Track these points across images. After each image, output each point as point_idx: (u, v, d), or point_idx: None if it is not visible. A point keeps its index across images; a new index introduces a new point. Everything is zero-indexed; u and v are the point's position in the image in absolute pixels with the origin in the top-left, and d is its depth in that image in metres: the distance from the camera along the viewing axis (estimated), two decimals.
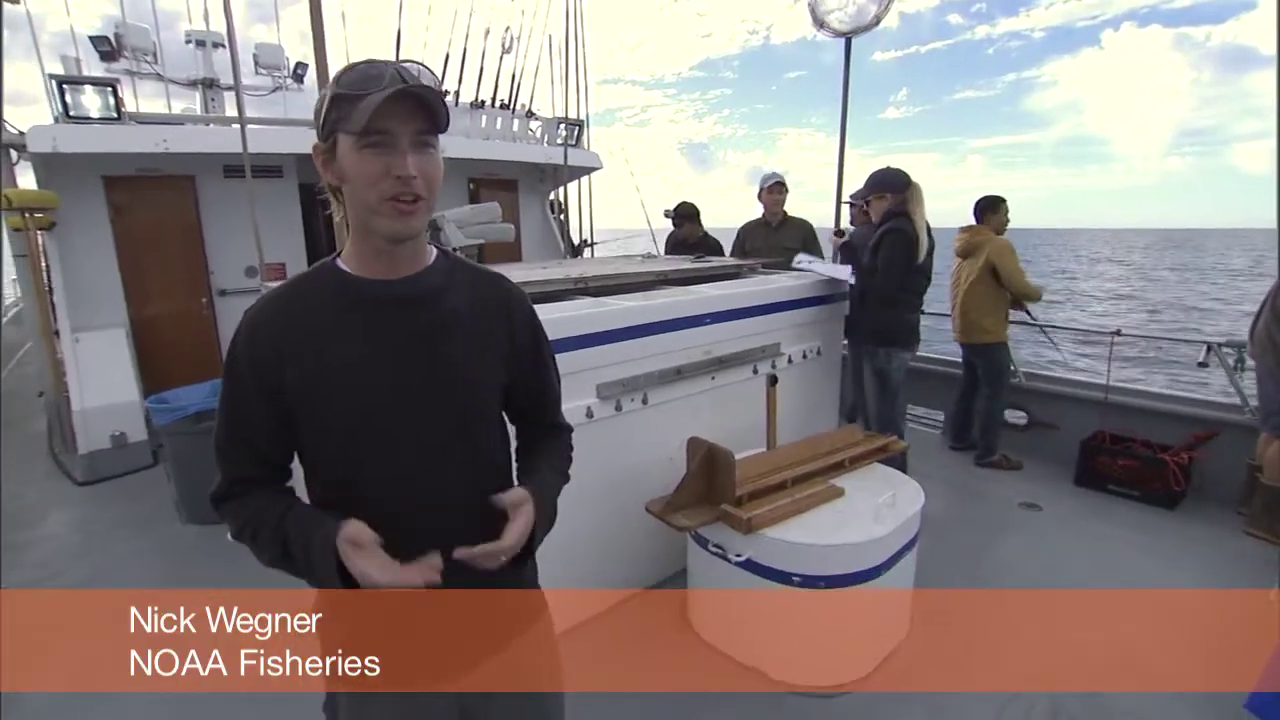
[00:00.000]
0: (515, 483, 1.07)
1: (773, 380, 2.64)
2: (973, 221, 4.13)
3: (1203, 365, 3.61)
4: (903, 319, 3.26)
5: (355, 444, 0.93)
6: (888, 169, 3.29)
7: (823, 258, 4.32)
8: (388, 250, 0.92)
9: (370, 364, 0.92)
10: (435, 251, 1.00)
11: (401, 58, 6.45)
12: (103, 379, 4.26)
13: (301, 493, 1.00)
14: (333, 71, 0.95)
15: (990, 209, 4.08)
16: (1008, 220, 4.09)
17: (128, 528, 3.53)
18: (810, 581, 2.12)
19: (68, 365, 4.25)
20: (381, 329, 0.93)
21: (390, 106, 0.82)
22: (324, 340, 0.91)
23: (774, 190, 4.33)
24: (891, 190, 3.22)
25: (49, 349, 4.46)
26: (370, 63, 0.87)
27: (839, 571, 2.12)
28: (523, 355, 1.05)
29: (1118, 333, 4.06)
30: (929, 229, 3.17)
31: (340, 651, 1.00)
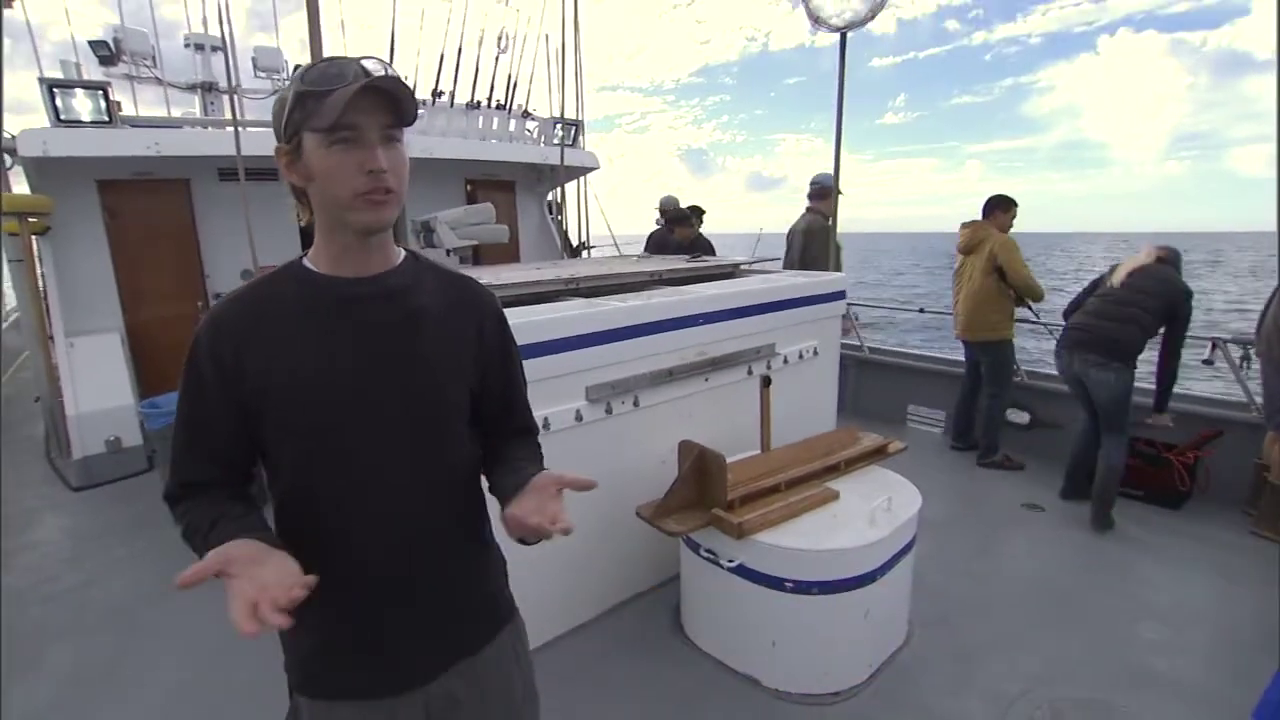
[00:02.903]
0: (485, 485, 1.06)
1: (766, 381, 2.59)
2: (979, 218, 4.08)
3: (1208, 362, 3.55)
4: None
5: (320, 444, 0.91)
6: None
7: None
8: (357, 246, 0.91)
9: (336, 362, 0.90)
10: (403, 252, 1.00)
11: (396, 59, 6.43)
12: (97, 384, 4.24)
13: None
14: None
15: (1001, 207, 4.02)
16: (1012, 222, 4.04)
17: (121, 533, 3.51)
18: (803, 587, 2.07)
19: (62, 370, 4.23)
20: (348, 327, 0.91)
21: (358, 101, 0.81)
22: (289, 339, 0.89)
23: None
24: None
25: (44, 354, 4.44)
26: (331, 60, 0.86)
27: (833, 577, 2.07)
28: (492, 356, 1.04)
29: None
30: None
31: (301, 660, 0.99)
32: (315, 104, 0.82)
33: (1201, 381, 5.10)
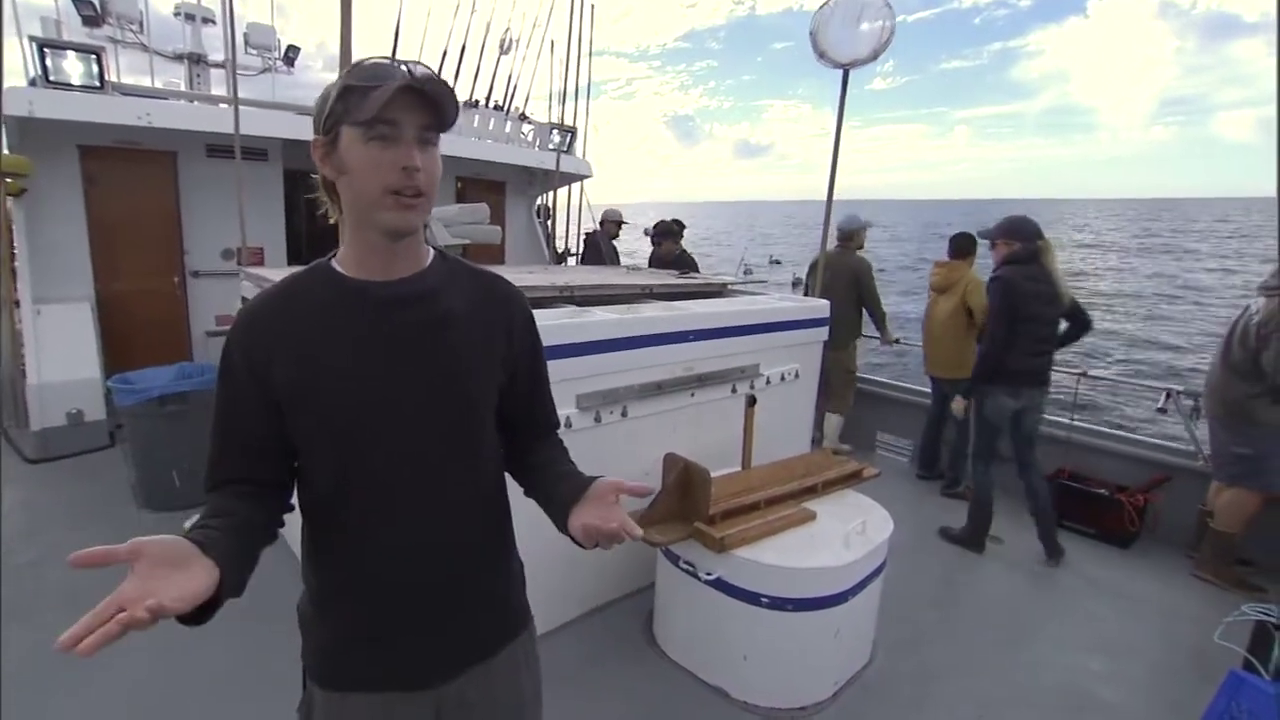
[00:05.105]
0: (511, 482, 1.08)
1: (751, 400, 2.66)
2: (946, 256, 4.24)
3: (1162, 411, 3.74)
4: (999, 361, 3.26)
5: (350, 447, 0.90)
6: (1023, 218, 3.31)
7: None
8: (384, 248, 0.90)
9: (365, 364, 0.90)
10: (433, 253, 0.99)
11: (400, 54, 6.41)
12: (63, 354, 4.11)
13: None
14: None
15: (972, 245, 4.18)
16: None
17: (80, 510, 3.41)
18: (778, 603, 2.14)
19: (26, 337, 4.09)
20: (377, 329, 0.91)
21: (400, 99, 0.81)
22: (318, 340, 0.89)
23: None
24: (1020, 239, 3.24)
25: (7, 319, 4.29)
26: (378, 62, 0.87)
27: (807, 595, 2.14)
28: (521, 357, 1.04)
29: (1084, 374, 4.20)
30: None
31: (320, 650, 0.99)
32: (359, 98, 0.82)
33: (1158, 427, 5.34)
